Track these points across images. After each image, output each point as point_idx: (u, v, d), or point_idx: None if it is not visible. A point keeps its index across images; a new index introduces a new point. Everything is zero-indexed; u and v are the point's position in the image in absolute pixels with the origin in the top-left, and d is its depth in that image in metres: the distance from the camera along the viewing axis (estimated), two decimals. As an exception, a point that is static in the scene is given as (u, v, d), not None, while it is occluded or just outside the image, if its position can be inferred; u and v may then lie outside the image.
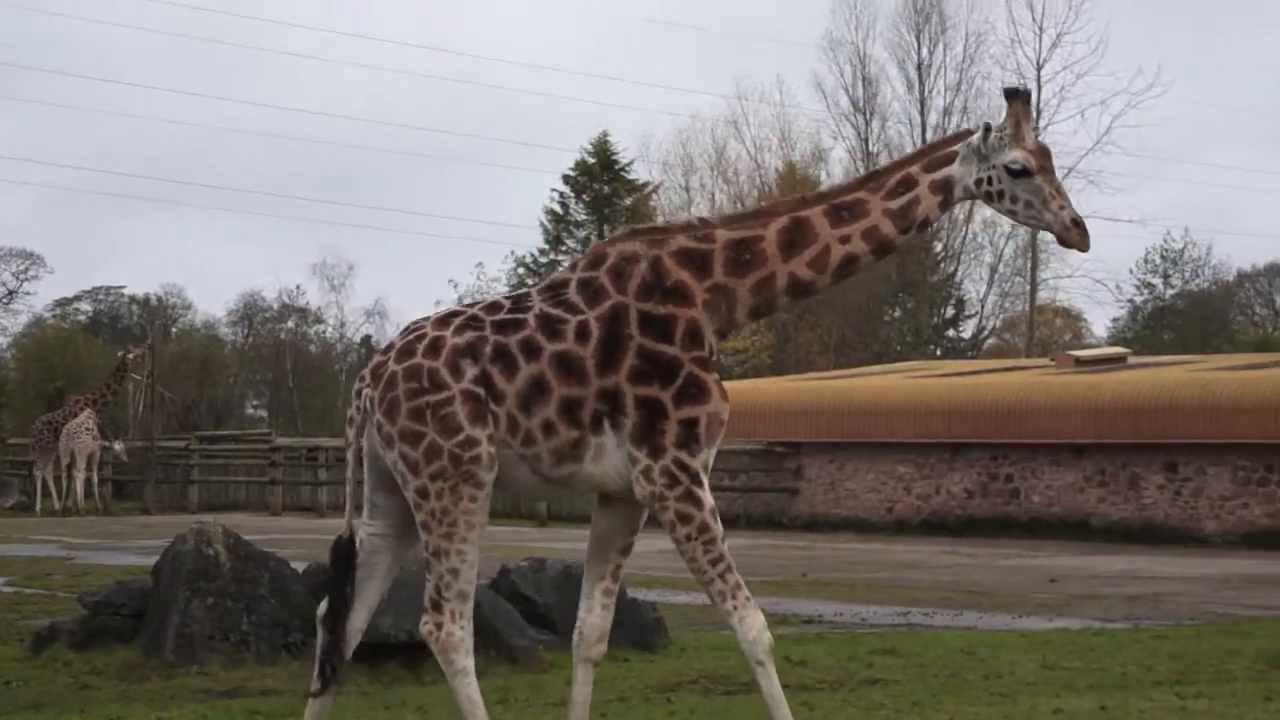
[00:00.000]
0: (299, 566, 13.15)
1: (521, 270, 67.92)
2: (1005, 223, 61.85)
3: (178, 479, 43.56)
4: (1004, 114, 7.75)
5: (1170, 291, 73.93)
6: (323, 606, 7.94)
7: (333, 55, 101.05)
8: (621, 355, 7.56)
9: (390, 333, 71.57)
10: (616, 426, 7.56)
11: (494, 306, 7.86)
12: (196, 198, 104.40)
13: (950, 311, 66.83)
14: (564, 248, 69.08)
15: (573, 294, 7.74)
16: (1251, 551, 28.65)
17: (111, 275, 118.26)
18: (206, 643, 11.94)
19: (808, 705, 9.94)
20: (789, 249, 7.78)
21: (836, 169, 66.88)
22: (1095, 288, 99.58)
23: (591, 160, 68.45)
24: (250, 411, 71.34)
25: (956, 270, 65.51)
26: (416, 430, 7.54)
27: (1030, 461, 33.39)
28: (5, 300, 73.99)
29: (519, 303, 7.82)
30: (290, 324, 71.60)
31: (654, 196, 68.66)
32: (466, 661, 7.64)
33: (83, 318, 73.80)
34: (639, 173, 69.02)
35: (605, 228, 68.25)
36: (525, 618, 12.74)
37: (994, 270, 65.81)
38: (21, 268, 73.86)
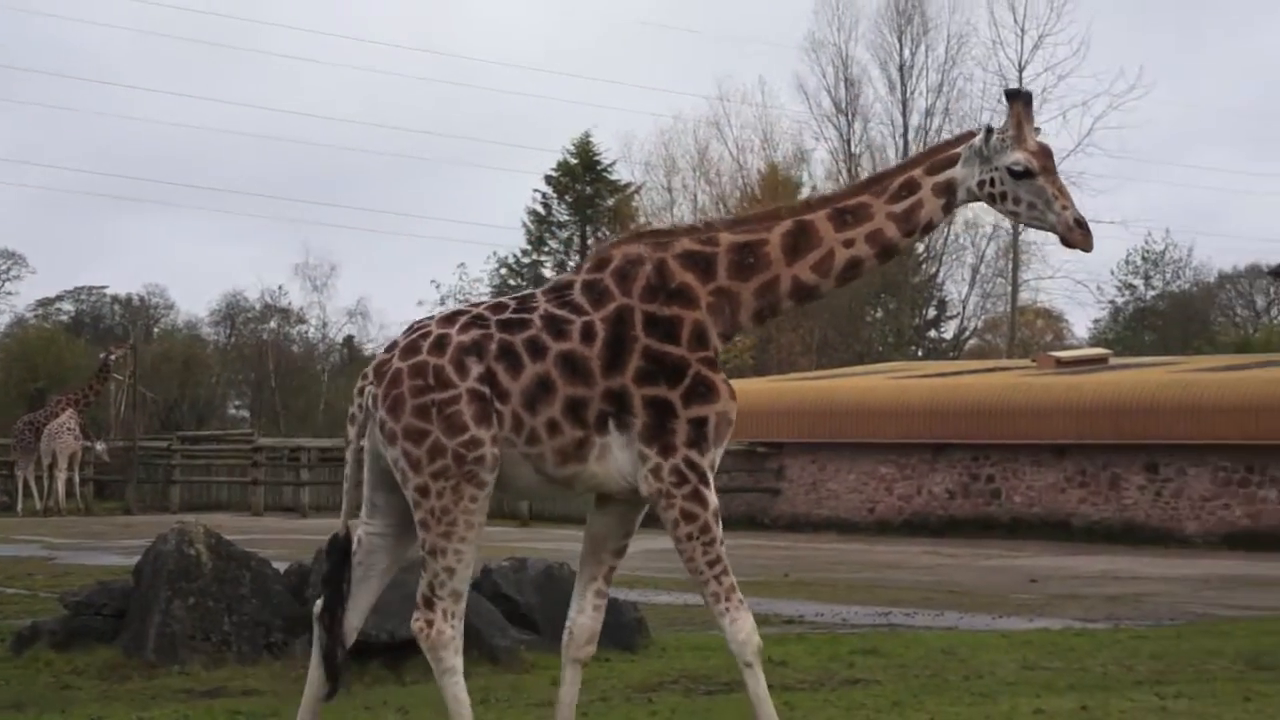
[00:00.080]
0: (281, 567, 13.15)
1: (504, 271, 67.97)
2: (987, 224, 62.17)
3: (159, 479, 43.47)
4: (1004, 116, 7.80)
5: (1151, 293, 74.18)
6: (318, 604, 7.94)
7: (316, 57, 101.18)
8: (627, 356, 7.57)
9: (372, 333, 71.68)
10: (622, 426, 7.57)
11: (499, 306, 7.86)
12: (178, 198, 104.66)
13: (932, 312, 66.94)
14: (546, 248, 69.16)
15: (578, 295, 7.75)
16: (1232, 552, 28.75)
17: (94, 275, 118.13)
18: (188, 643, 11.93)
19: (789, 705, 9.95)
20: (793, 252, 7.81)
21: (819, 170, 67.15)
22: (1076, 289, 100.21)
23: (574, 161, 68.53)
24: (232, 412, 71.26)
25: (938, 271, 65.62)
26: (421, 428, 7.52)
27: (1011, 462, 33.46)
28: (-13, 300, 73.91)
29: (524, 303, 7.83)
30: (272, 324, 71.52)
31: (636, 197, 68.75)
32: (455, 661, 7.63)
33: (65, 318, 73.71)
34: (621, 173, 69.24)
35: (587, 228, 68.34)
36: (507, 618, 12.73)
37: (976, 271, 65.98)
38: (4, 268, 73.89)
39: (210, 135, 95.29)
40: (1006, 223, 60.92)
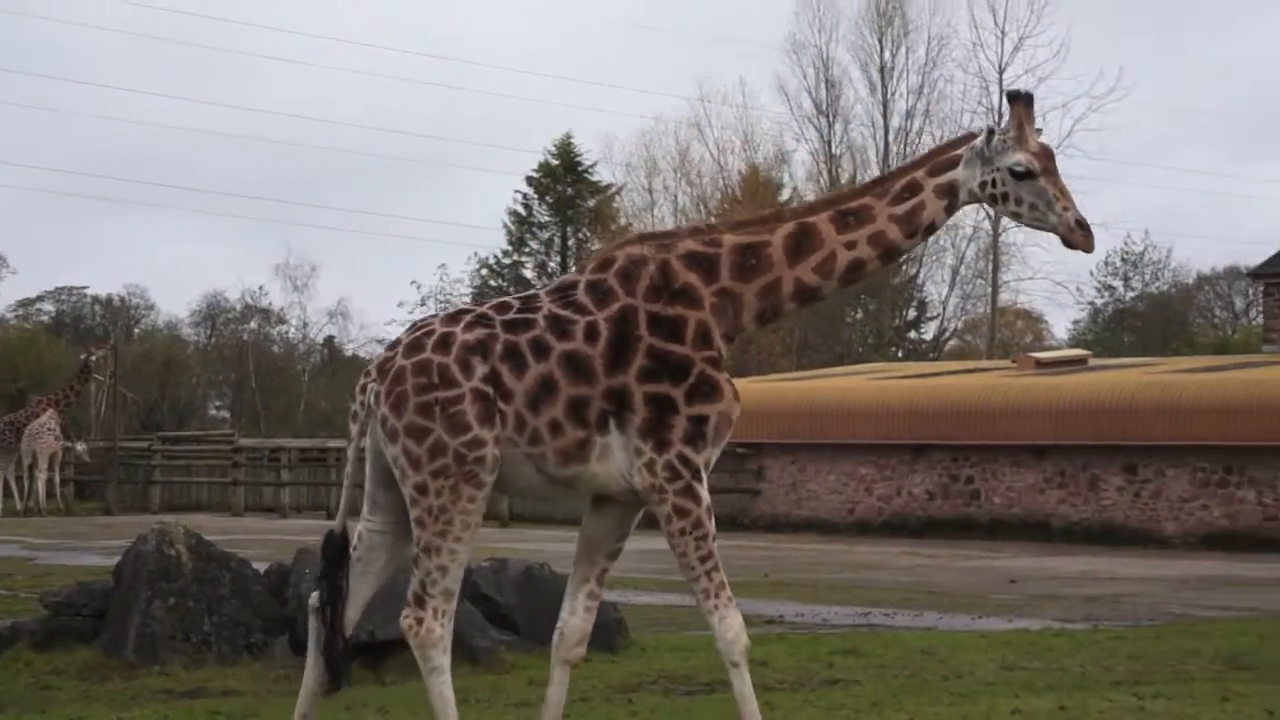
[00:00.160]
0: (261, 567, 13.15)
1: (485, 272, 67.93)
2: (967, 225, 62.23)
3: (140, 479, 43.38)
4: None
5: (1130, 294, 74.34)
6: (314, 598, 7.92)
7: (297, 58, 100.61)
8: (631, 356, 7.59)
9: (353, 334, 71.60)
10: (622, 425, 7.59)
11: (503, 306, 7.87)
12: (159, 199, 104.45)
13: (912, 313, 67.02)
14: (527, 249, 69.16)
15: (581, 295, 7.76)
16: (1210, 553, 28.84)
17: (74, 276, 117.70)
18: (168, 643, 11.92)
19: (769, 705, 9.96)
20: (795, 254, 7.84)
21: (799, 171, 67.17)
22: (1056, 290, 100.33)
23: (555, 162, 68.55)
24: (213, 412, 71.08)
25: (918, 272, 65.64)
26: (423, 426, 7.52)
27: (991, 463, 33.52)
28: (-33, 301, 73.68)
29: (528, 303, 7.84)
30: (253, 325, 71.34)
31: (617, 198, 68.74)
32: (443, 660, 7.64)
33: (45, 318, 73.53)
34: (602, 174, 69.24)
35: (568, 229, 68.38)
36: (487, 618, 12.73)
37: (956, 272, 66.03)
38: (-16, 269, 73.53)
39: (190, 135, 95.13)
40: (987, 224, 61.16)
